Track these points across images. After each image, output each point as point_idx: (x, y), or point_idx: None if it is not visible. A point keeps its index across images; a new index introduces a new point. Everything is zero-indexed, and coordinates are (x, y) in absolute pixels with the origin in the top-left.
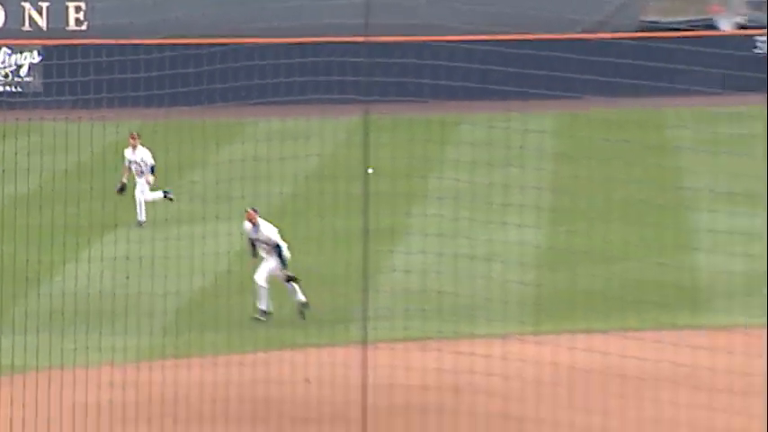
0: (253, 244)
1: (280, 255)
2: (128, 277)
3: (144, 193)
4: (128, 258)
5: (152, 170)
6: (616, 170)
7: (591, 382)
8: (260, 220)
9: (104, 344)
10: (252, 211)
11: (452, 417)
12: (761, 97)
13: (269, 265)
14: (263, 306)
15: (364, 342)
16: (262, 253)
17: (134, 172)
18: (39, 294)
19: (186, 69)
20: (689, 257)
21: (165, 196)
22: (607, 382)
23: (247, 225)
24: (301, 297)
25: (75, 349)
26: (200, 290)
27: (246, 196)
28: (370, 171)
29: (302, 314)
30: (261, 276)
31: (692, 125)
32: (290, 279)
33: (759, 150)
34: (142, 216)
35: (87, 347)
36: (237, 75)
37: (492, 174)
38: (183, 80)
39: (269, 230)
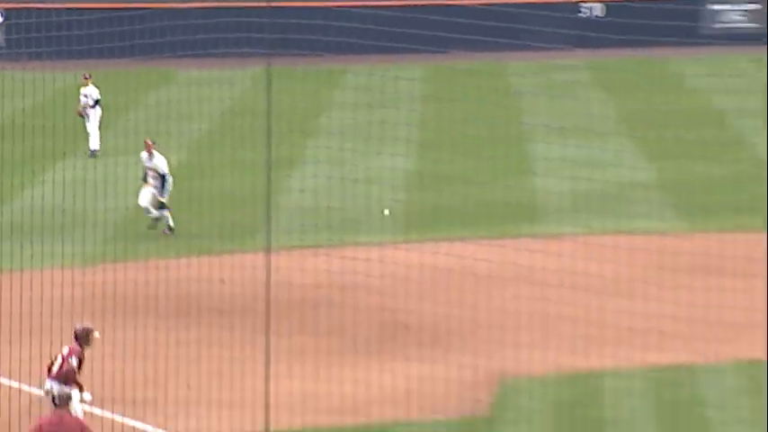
0: (145, 171)
1: (163, 184)
2: (74, 196)
3: (92, 120)
4: (75, 182)
5: (97, 102)
6: (471, 110)
7: (450, 280)
8: (155, 152)
9: (56, 251)
10: (149, 143)
11: (339, 309)
12: (586, 51)
13: (151, 190)
14: (169, 222)
15: (268, 249)
16: (149, 180)
17: (83, 105)
18: (1, 212)
19: (122, 27)
20: (528, 180)
21: (91, 155)
22: (463, 280)
23: (144, 155)
24: (170, 222)
25: (32, 256)
26: (133, 207)
27: (171, 132)
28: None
29: (153, 228)
30: (144, 199)
31: (530, 74)
32: (162, 206)
33: (583, 94)
34: (95, 145)
35: (42, 254)
36: (164, 32)
37: (371, 113)
38: (119, 37)
39: (160, 161)
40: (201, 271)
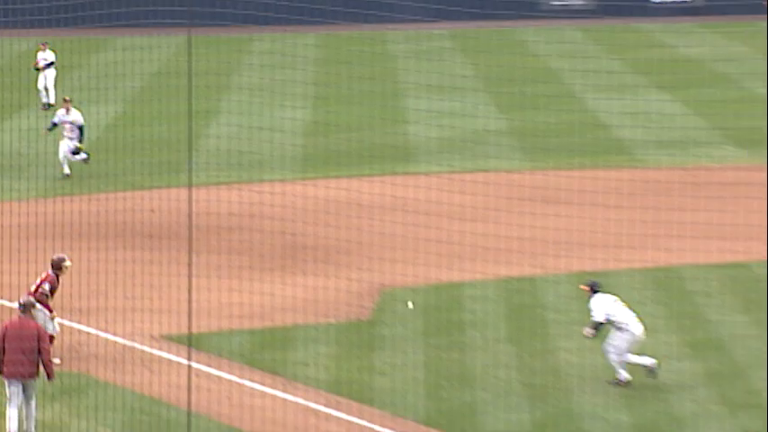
0: (55, 123)
1: (81, 134)
2: (29, 142)
3: (48, 79)
4: (29, 129)
5: (52, 64)
6: (355, 70)
7: (340, 209)
8: (72, 108)
9: (14, 186)
10: (67, 99)
11: (249, 233)
12: (449, 23)
13: (69, 142)
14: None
15: (190, 185)
16: (65, 132)
17: (41, 65)
18: None
19: (67, 1)
20: (402, 128)
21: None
22: (350, 209)
23: (62, 111)
24: (87, 160)
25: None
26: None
27: (109, 88)
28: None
29: (87, 162)
30: (63, 149)
31: (403, 41)
32: (78, 151)
33: (446, 57)
34: (50, 99)
35: (1, 189)
36: (102, 5)
37: (274, 73)
38: (64, 9)
39: (77, 116)
40: (135, 203)
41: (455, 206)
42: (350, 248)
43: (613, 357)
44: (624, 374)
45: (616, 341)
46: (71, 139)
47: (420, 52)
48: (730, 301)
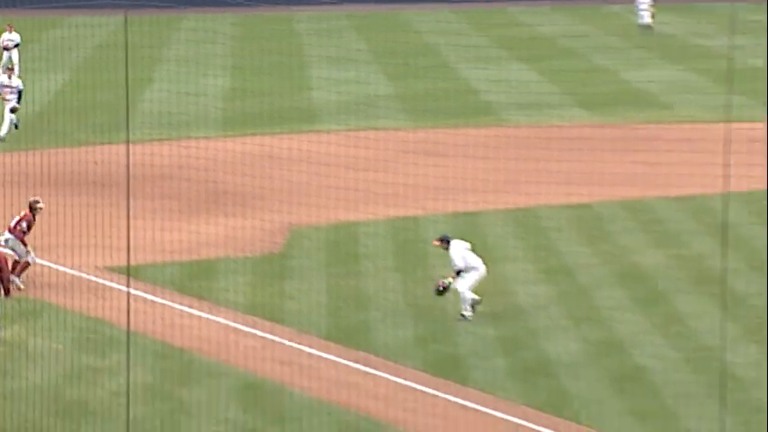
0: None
1: (20, 97)
2: None
3: (13, 57)
4: None
5: (18, 45)
6: (267, 45)
7: (255, 161)
8: (13, 75)
9: None
10: (10, 67)
11: (178, 181)
12: (345, 6)
13: (11, 102)
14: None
15: (128, 141)
16: (8, 96)
17: (7, 45)
18: None
19: None
20: (307, 93)
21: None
22: (263, 161)
23: (5, 77)
24: (17, 123)
25: None
26: (34, 113)
27: (58, 59)
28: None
29: (17, 127)
30: (7, 109)
31: (307, 21)
32: (14, 110)
33: (344, 34)
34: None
35: None
36: None
37: (198, 47)
38: None
39: (17, 82)
40: (81, 156)
41: (351, 158)
42: (263, 194)
43: (466, 296)
44: (469, 312)
45: (469, 281)
46: (9, 101)
47: (321, 30)
48: (576, 236)
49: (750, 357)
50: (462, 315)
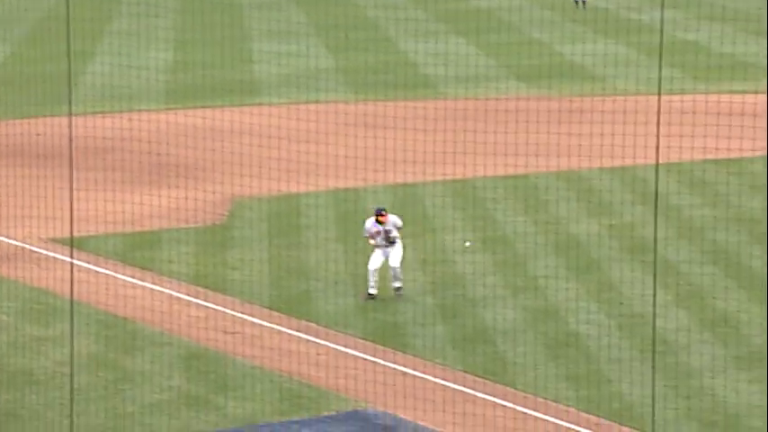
0: None
1: None
2: None
3: None
4: None
5: None
6: (209, 19)
7: (197, 134)
8: None
9: None
10: None
11: (122, 153)
12: None
13: None
14: None
15: (70, 113)
16: None
17: None
18: None
19: None
20: (249, 66)
21: None
22: (206, 134)
23: None
24: None
25: None
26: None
27: (6, 32)
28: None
29: None
30: None
31: None
32: None
33: (284, 8)
34: None
35: None
36: None
37: (141, 20)
38: None
39: None
40: (24, 128)
41: (293, 130)
42: (206, 166)
43: (398, 272)
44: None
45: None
46: None
47: (263, 3)
48: (513, 205)
49: (680, 323)
50: (370, 294)
